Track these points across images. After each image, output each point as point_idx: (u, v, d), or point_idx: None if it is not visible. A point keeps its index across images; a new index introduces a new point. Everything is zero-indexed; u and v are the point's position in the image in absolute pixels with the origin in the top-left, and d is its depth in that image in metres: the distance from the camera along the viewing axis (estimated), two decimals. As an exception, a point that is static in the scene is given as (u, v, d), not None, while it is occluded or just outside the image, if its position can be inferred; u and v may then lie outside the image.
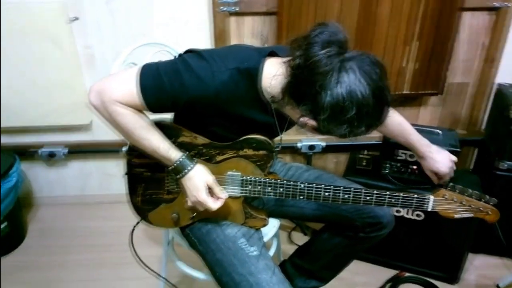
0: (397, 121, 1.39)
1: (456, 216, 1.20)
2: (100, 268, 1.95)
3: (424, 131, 1.49)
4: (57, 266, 1.96)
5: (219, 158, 1.19)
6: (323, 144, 2.14)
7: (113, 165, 2.29)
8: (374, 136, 1.93)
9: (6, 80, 1.94)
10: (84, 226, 2.21)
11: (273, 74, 1.03)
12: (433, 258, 1.81)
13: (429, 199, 1.18)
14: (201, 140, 1.18)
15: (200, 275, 1.47)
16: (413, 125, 1.43)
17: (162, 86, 1.04)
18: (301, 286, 1.54)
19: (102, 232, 2.15)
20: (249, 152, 1.17)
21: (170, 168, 1.13)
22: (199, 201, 1.12)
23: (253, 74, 1.05)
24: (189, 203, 1.16)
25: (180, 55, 1.10)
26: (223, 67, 1.03)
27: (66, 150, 2.19)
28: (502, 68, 2.01)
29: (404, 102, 2.11)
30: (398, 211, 1.75)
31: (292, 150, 2.19)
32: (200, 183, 1.12)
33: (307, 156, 2.19)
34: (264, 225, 1.25)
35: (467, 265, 1.91)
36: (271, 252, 1.56)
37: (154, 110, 1.10)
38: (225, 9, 1.82)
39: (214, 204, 1.13)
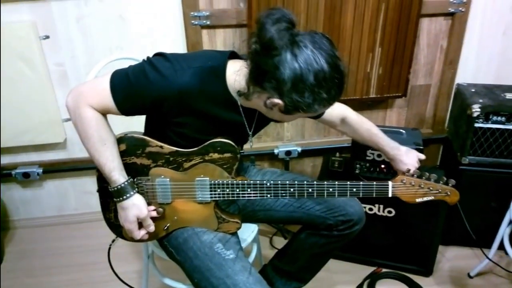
0: (366, 126, 1.47)
1: (418, 200, 1.25)
2: (80, 286, 1.93)
3: (389, 132, 1.57)
4: (36, 287, 1.93)
5: (187, 165, 1.22)
6: (299, 149, 2.21)
7: (90, 182, 2.28)
8: (346, 139, 2.01)
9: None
10: (64, 246, 2.19)
11: (237, 70, 1.10)
12: (407, 253, 1.89)
13: (388, 184, 1.24)
14: (167, 149, 1.21)
15: (181, 286, 1.49)
16: (379, 126, 1.51)
17: (129, 85, 1.10)
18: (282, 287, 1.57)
19: (83, 251, 2.14)
20: (215, 156, 1.21)
21: (111, 189, 1.18)
22: (126, 228, 1.22)
23: (217, 72, 1.12)
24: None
25: (148, 57, 1.15)
26: (186, 66, 1.09)
27: (41, 170, 2.17)
28: (461, 69, 2.14)
29: (372, 105, 2.21)
30: (370, 209, 1.83)
31: (270, 156, 2.24)
32: (131, 217, 1.19)
33: (285, 161, 2.25)
34: (238, 229, 1.28)
35: (440, 257, 2.00)
36: (252, 256, 1.60)
37: (125, 111, 1.14)
38: (196, 23, 1.88)
39: (137, 235, 1.22)
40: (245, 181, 1.22)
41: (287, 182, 1.22)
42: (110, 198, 1.27)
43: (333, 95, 1.04)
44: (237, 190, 1.22)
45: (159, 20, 1.91)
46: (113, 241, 1.38)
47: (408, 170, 1.27)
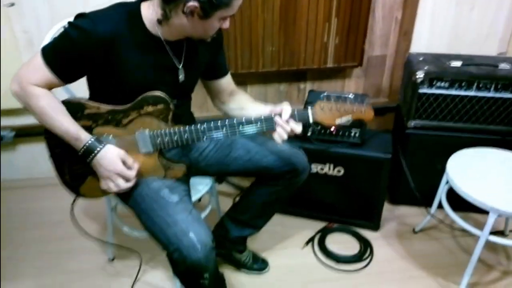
0: (249, 98, 1.54)
1: (337, 121, 1.32)
2: (52, 242, 2.04)
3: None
4: (12, 243, 2.04)
5: (125, 121, 1.31)
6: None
7: None
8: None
9: None
10: (35, 207, 2.28)
11: (149, 5, 1.22)
12: (356, 209, 2.03)
13: (307, 112, 1.31)
14: (104, 109, 1.30)
15: (138, 234, 1.64)
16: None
17: (58, 51, 1.21)
18: (237, 235, 1.72)
19: (52, 211, 2.23)
20: (150, 108, 1.30)
21: (81, 150, 1.26)
22: (117, 173, 1.27)
23: (133, 14, 1.22)
24: (104, 185, 1.30)
25: (69, 22, 1.23)
26: (103, 17, 1.20)
27: (13, 133, 2.25)
28: (415, 40, 2.24)
29: (330, 75, 2.32)
30: (322, 169, 1.96)
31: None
32: (115, 157, 1.27)
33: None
34: (184, 173, 1.39)
35: (389, 214, 2.16)
36: (207, 209, 1.73)
37: (64, 76, 1.24)
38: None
39: (130, 172, 1.29)
40: (181, 128, 1.32)
41: (219, 123, 1.30)
42: (62, 161, 1.37)
43: None
44: (175, 137, 1.32)
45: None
46: (74, 200, 1.48)
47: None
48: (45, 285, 1.81)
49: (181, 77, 1.36)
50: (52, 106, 1.24)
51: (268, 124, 1.30)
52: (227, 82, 1.53)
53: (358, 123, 1.89)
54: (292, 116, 1.30)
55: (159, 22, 1.21)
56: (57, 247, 2.00)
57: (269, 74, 2.23)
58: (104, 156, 1.27)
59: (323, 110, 1.31)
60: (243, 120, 1.30)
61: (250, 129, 1.32)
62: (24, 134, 2.28)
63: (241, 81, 2.25)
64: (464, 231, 2.04)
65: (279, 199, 1.63)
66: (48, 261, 1.93)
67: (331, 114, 1.31)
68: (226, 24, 1.25)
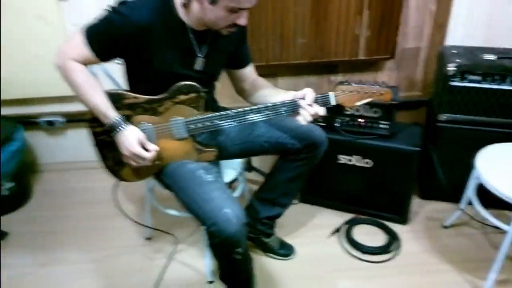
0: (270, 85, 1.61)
1: (358, 103, 1.39)
2: (95, 220, 2.22)
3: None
4: (63, 218, 2.24)
5: (161, 109, 1.43)
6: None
7: None
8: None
9: (6, 55, 2.19)
10: (83, 187, 2.48)
11: None
12: (384, 202, 2.05)
13: (329, 95, 1.38)
14: (141, 98, 1.42)
15: (174, 212, 1.76)
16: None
17: (98, 31, 1.33)
18: (267, 214, 1.81)
19: (97, 192, 2.42)
20: (183, 97, 1.41)
21: (107, 124, 1.38)
22: (134, 153, 1.39)
23: (167, 2, 1.32)
24: (125, 159, 1.43)
25: (110, 6, 1.34)
26: (140, 4, 1.31)
27: (64, 119, 2.45)
28: (450, 32, 2.21)
29: (362, 67, 2.33)
30: (350, 160, 1.99)
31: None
32: (133, 139, 1.38)
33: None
34: (216, 156, 1.50)
35: (418, 209, 2.16)
36: (238, 191, 1.84)
37: (101, 54, 1.36)
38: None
39: (147, 154, 1.39)
40: (212, 114, 1.42)
41: (247, 108, 1.40)
42: (105, 148, 1.51)
43: None
44: (207, 123, 1.43)
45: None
46: (116, 184, 1.64)
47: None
48: (87, 258, 1.98)
49: (198, 65, 1.45)
50: (88, 81, 1.37)
51: (293, 107, 1.38)
52: (249, 71, 1.62)
53: (387, 115, 1.91)
54: (316, 101, 1.38)
55: (184, 6, 1.32)
56: (99, 225, 2.18)
57: (300, 66, 2.27)
58: (124, 136, 1.38)
59: (344, 93, 1.37)
60: (269, 105, 1.39)
61: (274, 113, 1.40)
62: (73, 120, 2.47)
63: (272, 72, 2.32)
64: (495, 227, 2.00)
65: (301, 174, 1.70)
66: (90, 237, 2.10)
67: (352, 96, 1.38)
68: (242, 21, 1.32)
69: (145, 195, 1.92)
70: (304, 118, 1.37)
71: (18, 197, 2.35)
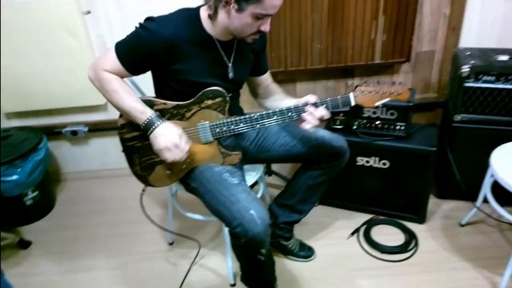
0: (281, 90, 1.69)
1: (377, 103, 1.42)
2: (119, 226, 2.28)
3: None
4: (86, 226, 2.31)
5: (188, 114, 1.50)
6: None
7: None
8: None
9: (32, 68, 2.28)
10: (105, 194, 2.56)
11: (206, 8, 1.40)
12: (402, 202, 2.08)
13: (349, 95, 1.42)
14: (170, 104, 1.49)
15: (198, 216, 1.81)
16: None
17: (128, 47, 1.42)
18: (285, 220, 1.85)
19: (120, 198, 2.49)
20: (209, 102, 1.48)
21: (144, 122, 1.43)
22: (174, 143, 1.42)
23: (193, 16, 1.41)
24: (162, 156, 1.44)
25: (139, 23, 1.42)
26: (167, 20, 1.39)
27: (86, 129, 2.53)
28: (464, 35, 2.26)
29: (379, 71, 2.38)
30: (367, 161, 2.03)
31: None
32: (174, 131, 1.43)
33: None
34: (240, 159, 1.55)
35: (435, 208, 2.19)
36: (258, 194, 1.89)
37: (131, 69, 1.44)
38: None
39: (185, 145, 1.44)
40: (237, 118, 1.48)
41: (270, 111, 1.46)
42: (133, 154, 1.57)
43: None
44: (232, 127, 1.49)
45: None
46: (143, 190, 1.68)
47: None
48: (112, 264, 2.04)
49: (231, 74, 1.52)
50: (123, 87, 1.44)
51: (298, 112, 1.44)
52: (265, 78, 1.70)
53: (403, 117, 1.95)
54: (324, 104, 1.43)
55: (210, 17, 1.39)
56: (123, 231, 2.24)
57: (317, 71, 2.33)
58: (164, 129, 1.43)
59: (363, 94, 1.42)
60: (277, 110, 1.46)
61: (282, 118, 1.47)
62: (96, 129, 2.55)
63: (291, 78, 2.39)
64: (511, 224, 2.03)
65: (322, 183, 1.74)
66: (115, 242, 2.16)
67: (371, 97, 1.42)
68: (265, 27, 1.38)
69: (168, 200, 1.98)
70: (309, 122, 1.42)
71: (42, 206, 2.42)
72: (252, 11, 1.31)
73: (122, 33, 2.21)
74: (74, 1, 2.16)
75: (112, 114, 2.51)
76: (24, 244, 2.17)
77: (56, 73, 2.30)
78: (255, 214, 1.36)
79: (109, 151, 2.68)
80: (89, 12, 2.22)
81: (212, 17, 1.39)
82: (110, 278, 1.96)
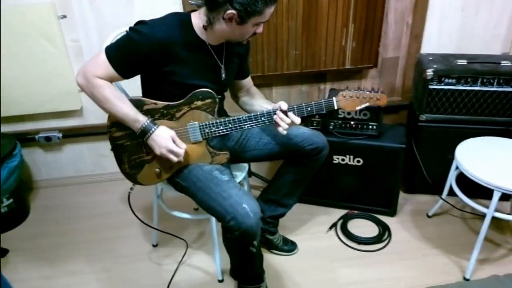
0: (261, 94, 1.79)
1: (357, 107, 1.56)
2: (98, 231, 2.27)
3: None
4: (64, 232, 2.27)
5: (178, 114, 1.55)
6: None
7: (104, 146, 2.53)
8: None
9: (5, 73, 2.22)
10: (81, 201, 2.53)
11: (198, 14, 1.46)
12: (375, 197, 2.24)
13: (332, 100, 1.54)
14: (160, 104, 1.54)
15: (185, 215, 1.85)
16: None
17: (120, 51, 1.45)
18: (271, 214, 1.94)
19: (99, 204, 2.48)
20: (199, 103, 1.54)
21: (139, 130, 1.48)
22: (169, 149, 1.49)
23: (185, 21, 1.47)
24: (162, 155, 1.51)
25: (130, 27, 1.47)
26: (160, 24, 1.44)
27: (60, 135, 2.49)
28: (425, 42, 2.46)
29: (348, 76, 2.53)
30: (343, 159, 2.17)
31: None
32: (167, 136, 1.50)
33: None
34: (228, 158, 1.62)
35: (405, 202, 2.36)
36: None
37: (123, 72, 1.47)
38: (193, 3, 2.18)
39: (180, 150, 1.51)
40: (225, 119, 1.55)
41: (258, 113, 1.55)
42: (122, 152, 1.60)
43: None
44: (221, 127, 1.56)
45: (160, 2, 2.21)
46: (131, 188, 1.70)
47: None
48: (96, 268, 2.04)
49: (224, 75, 1.60)
50: (115, 94, 1.48)
51: (270, 117, 1.55)
52: (247, 81, 1.79)
53: (375, 117, 2.11)
54: (320, 109, 1.55)
55: (205, 28, 1.46)
56: (103, 236, 2.23)
57: (292, 76, 2.45)
58: (158, 135, 1.49)
59: (345, 98, 1.55)
60: (252, 115, 1.55)
61: (256, 122, 1.56)
62: (70, 135, 2.52)
63: (268, 82, 2.49)
64: (473, 214, 2.23)
65: (305, 177, 1.84)
66: (97, 248, 2.16)
67: (352, 102, 1.55)
68: (260, 29, 1.48)
69: (153, 201, 2.01)
70: (282, 126, 1.53)
71: (17, 214, 2.37)
72: (253, 22, 1.40)
73: (99, 37, 2.27)
74: (50, 5, 2.14)
75: (88, 120, 2.50)
76: (1, 252, 2.12)
77: (31, 78, 2.26)
78: (248, 208, 1.43)
79: (84, 157, 2.65)
80: (64, 17, 2.21)
81: (207, 28, 1.45)
82: (97, 281, 1.96)
